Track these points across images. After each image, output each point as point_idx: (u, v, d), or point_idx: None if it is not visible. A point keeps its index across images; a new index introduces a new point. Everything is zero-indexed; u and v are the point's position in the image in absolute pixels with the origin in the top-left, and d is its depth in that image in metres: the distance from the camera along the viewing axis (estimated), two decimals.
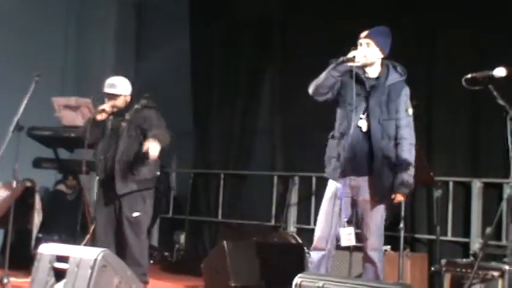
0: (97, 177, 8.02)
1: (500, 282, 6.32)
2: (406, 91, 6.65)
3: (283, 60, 10.87)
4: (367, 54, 6.56)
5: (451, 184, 9.12)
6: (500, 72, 6.15)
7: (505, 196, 6.81)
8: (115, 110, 7.90)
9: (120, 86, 7.93)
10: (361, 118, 6.53)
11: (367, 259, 6.55)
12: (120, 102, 7.90)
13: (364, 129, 6.51)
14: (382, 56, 6.65)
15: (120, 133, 7.80)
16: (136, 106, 7.92)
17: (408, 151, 6.52)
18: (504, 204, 6.53)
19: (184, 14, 12.09)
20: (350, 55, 6.45)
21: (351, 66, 6.46)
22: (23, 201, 9.76)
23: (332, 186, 6.64)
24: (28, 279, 6.53)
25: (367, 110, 6.55)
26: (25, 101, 7.83)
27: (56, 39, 12.20)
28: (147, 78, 12.63)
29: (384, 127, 6.50)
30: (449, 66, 9.11)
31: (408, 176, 6.47)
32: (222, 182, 11.50)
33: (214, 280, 8.44)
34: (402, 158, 6.48)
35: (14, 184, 8.33)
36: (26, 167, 9.80)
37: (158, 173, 8.03)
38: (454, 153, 9.25)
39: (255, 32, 11.27)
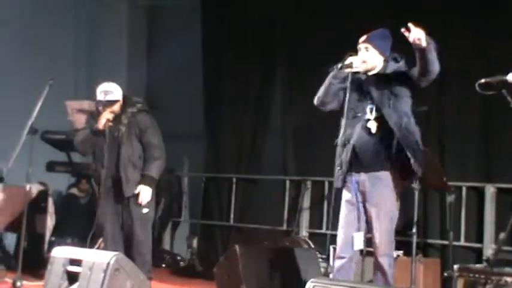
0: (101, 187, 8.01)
1: None
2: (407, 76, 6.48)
3: (293, 64, 10.88)
4: (367, 59, 6.55)
5: (464, 189, 9.10)
6: None
7: None
8: (112, 115, 7.92)
9: (115, 92, 7.95)
10: (368, 119, 6.48)
11: (377, 266, 6.50)
12: (117, 108, 7.92)
13: (374, 130, 6.43)
14: (383, 59, 6.62)
15: (120, 139, 7.82)
16: (131, 110, 7.92)
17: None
18: None
19: (194, 18, 12.10)
20: (347, 61, 6.46)
21: (352, 72, 6.48)
22: (36, 204, 9.80)
23: (347, 193, 6.60)
24: (41, 283, 6.54)
25: (374, 106, 6.49)
26: (39, 105, 7.85)
27: (68, 43, 12.23)
28: (159, 81, 12.70)
29: (397, 108, 6.41)
30: (461, 72, 9.10)
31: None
32: (234, 186, 11.50)
33: (226, 284, 8.44)
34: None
35: (27, 188, 8.35)
36: (40, 171, 9.85)
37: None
38: (467, 158, 9.24)
39: (265, 36, 11.26)
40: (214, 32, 11.93)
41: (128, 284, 6.04)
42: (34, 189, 9.58)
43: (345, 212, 6.60)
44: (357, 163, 6.51)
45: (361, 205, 6.55)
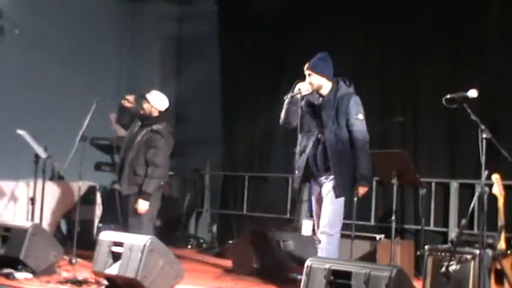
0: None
1: (472, 263, 6.31)
2: (354, 100, 6.58)
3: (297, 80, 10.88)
4: (311, 82, 6.60)
5: (433, 184, 9.11)
6: (473, 93, 6.18)
7: (476, 194, 6.79)
8: (142, 112, 7.91)
9: (154, 95, 7.95)
10: (320, 132, 6.58)
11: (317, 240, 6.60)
12: (147, 108, 7.89)
13: (322, 140, 6.55)
14: (325, 79, 6.66)
15: (134, 142, 7.78)
16: (154, 127, 7.80)
17: (361, 149, 6.50)
18: (476, 200, 6.55)
19: (213, 44, 12.11)
20: (296, 89, 6.55)
21: (302, 96, 6.54)
22: (86, 197, 9.85)
23: (313, 190, 6.77)
24: (91, 261, 6.57)
25: (322, 125, 6.58)
26: (88, 117, 7.89)
27: (112, 67, 12.28)
28: (186, 97, 12.73)
29: (337, 135, 6.51)
30: (430, 86, 9.10)
31: (367, 170, 6.49)
32: (246, 182, 11.48)
33: (240, 262, 8.47)
34: (358, 156, 6.47)
35: (80, 184, 8.40)
36: (89, 170, 9.87)
37: (162, 183, 7.87)
38: (436, 159, 9.24)
39: (273, 60, 11.25)
40: (230, 54, 11.92)
41: (160, 262, 6.06)
42: (85, 185, 9.60)
43: (313, 205, 6.78)
44: (310, 169, 6.62)
45: (315, 197, 6.74)
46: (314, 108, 6.70)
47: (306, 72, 6.70)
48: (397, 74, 9.68)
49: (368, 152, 6.56)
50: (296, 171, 6.71)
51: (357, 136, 6.52)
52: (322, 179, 6.60)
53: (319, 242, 6.63)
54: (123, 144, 8.01)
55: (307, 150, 6.61)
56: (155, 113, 7.92)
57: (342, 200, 6.55)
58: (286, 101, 6.64)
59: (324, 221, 6.51)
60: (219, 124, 12.04)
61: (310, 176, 6.70)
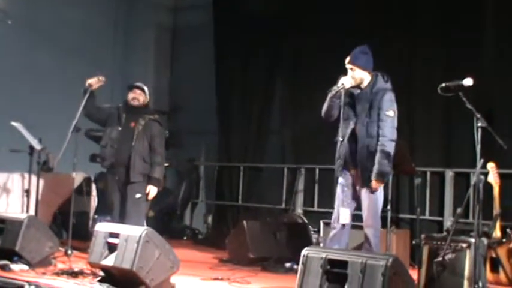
0: (105, 161, 8.12)
1: (467, 252, 6.32)
2: (388, 96, 6.64)
3: (291, 74, 10.89)
4: (354, 76, 6.63)
5: (428, 173, 9.15)
6: (468, 82, 6.19)
7: (472, 183, 6.81)
8: (136, 103, 8.07)
9: (146, 89, 8.20)
10: (356, 123, 6.63)
11: (364, 236, 6.67)
12: (142, 98, 8.12)
13: (356, 131, 6.61)
14: (367, 73, 6.70)
15: (134, 134, 7.94)
16: (149, 116, 8.07)
17: (386, 145, 6.54)
18: (471, 190, 6.56)
19: (208, 34, 12.09)
20: (339, 84, 6.55)
21: (345, 90, 6.56)
22: (81, 189, 9.85)
23: (341, 178, 6.73)
24: (87, 252, 6.58)
25: (356, 116, 6.64)
26: (81, 108, 7.88)
27: (107, 57, 12.23)
28: (181, 87, 12.73)
29: (368, 128, 6.57)
30: (425, 77, 9.12)
31: (384, 166, 6.51)
32: (241, 173, 11.50)
33: (236, 252, 8.50)
34: (379, 151, 6.52)
35: (73, 175, 8.39)
36: (84, 162, 9.87)
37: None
38: (431, 149, 9.26)
39: (269, 50, 11.25)
40: (225, 45, 11.90)
41: (156, 252, 6.06)
42: (79, 176, 9.62)
43: (338, 193, 6.73)
44: (347, 157, 6.66)
45: (350, 188, 6.71)
46: (352, 99, 6.74)
47: (348, 66, 6.71)
48: (392, 64, 9.66)
49: (392, 149, 6.58)
50: (338, 160, 6.75)
51: (384, 132, 6.56)
52: (357, 169, 6.67)
53: (334, 228, 6.71)
54: (116, 136, 8.02)
55: (346, 138, 6.68)
56: (144, 102, 8.17)
57: (380, 192, 6.65)
58: (329, 95, 6.66)
59: (365, 215, 6.63)
60: (213, 114, 12.02)
61: (347, 164, 6.72)
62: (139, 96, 8.08)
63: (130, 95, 8.10)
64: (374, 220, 6.67)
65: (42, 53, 11.06)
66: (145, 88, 8.16)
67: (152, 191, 7.91)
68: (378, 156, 6.54)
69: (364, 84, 6.71)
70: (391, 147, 6.58)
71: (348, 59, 6.71)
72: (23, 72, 10.90)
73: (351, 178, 6.73)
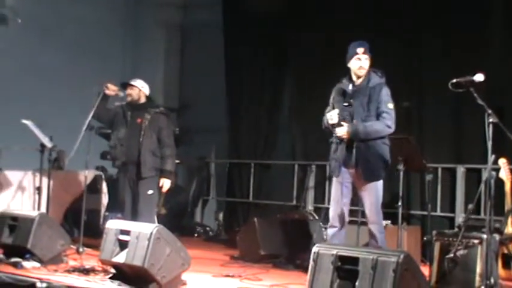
0: (116, 161, 8.19)
1: (479, 248, 6.32)
2: (385, 90, 6.71)
3: (300, 74, 10.89)
4: (362, 65, 6.70)
5: (439, 170, 9.14)
6: (479, 77, 6.17)
7: (483, 179, 6.81)
8: (129, 99, 8.12)
9: (138, 81, 8.17)
10: (351, 120, 6.67)
11: (369, 232, 6.70)
12: (135, 93, 8.11)
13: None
14: (369, 71, 6.77)
15: (142, 130, 7.99)
16: (154, 110, 8.10)
17: (380, 124, 6.62)
18: (482, 186, 6.54)
19: (217, 33, 12.11)
20: (328, 116, 6.69)
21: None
22: (93, 186, 9.87)
23: (339, 177, 6.77)
24: (98, 249, 6.60)
25: (352, 114, 6.68)
26: (94, 107, 7.93)
27: (117, 56, 12.27)
28: (191, 85, 12.74)
29: (366, 122, 6.62)
30: (436, 72, 9.09)
31: (368, 128, 6.58)
32: (252, 169, 11.52)
33: (247, 249, 8.50)
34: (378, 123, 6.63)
35: (86, 173, 8.42)
36: (95, 159, 9.91)
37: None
38: (442, 145, 9.27)
39: (277, 51, 11.25)
40: (234, 43, 11.93)
41: (167, 249, 6.06)
42: (91, 174, 9.64)
43: (335, 191, 6.81)
44: (347, 157, 6.69)
45: (349, 185, 6.76)
46: (345, 96, 6.77)
47: (363, 55, 6.72)
48: (403, 60, 9.66)
49: (384, 133, 6.67)
50: (333, 161, 6.80)
51: (387, 122, 6.63)
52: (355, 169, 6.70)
53: (332, 227, 6.77)
54: (122, 135, 8.11)
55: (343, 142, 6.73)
56: (143, 98, 8.19)
57: (378, 187, 6.69)
58: (323, 126, 6.84)
59: (368, 211, 6.68)
60: (224, 112, 12.05)
61: (346, 162, 6.74)
62: (131, 92, 8.13)
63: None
64: (377, 216, 6.73)
65: (52, 52, 11.12)
66: (138, 83, 8.16)
67: (165, 183, 7.98)
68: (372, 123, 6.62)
69: (360, 80, 6.75)
70: (383, 132, 6.65)
71: (363, 49, 6.71)
72: (34, 70, 10.97)
73: (350, 177, 6.75)
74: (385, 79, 6.78)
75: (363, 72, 6.73)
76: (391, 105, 6.67)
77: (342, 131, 6.62)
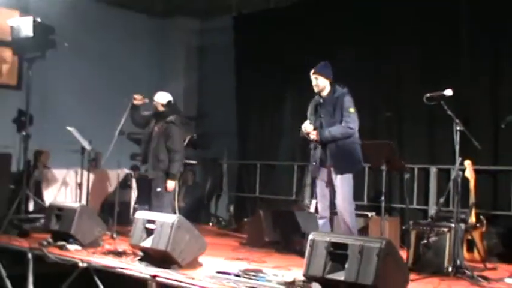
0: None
1: (448, 235, 6.35)
2: (347, 98, 6.76)
3: (300, 87, 10.85)
4: (318, 84, 6.82)
5: (416, 169, 9.12)
6: (448, 92, 6.24)
7: (452, 177, 6.82)
8: (156, 110, 8.09)
9: (157, 95, 8.12)
10: (322, 126, 6.80)
11: (342, 220, 6.72)
12: (154, 105, 8.09)
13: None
14: (328, 82, 6.84)
15: (152, 137, 7.95)
16: (168, 119, 7.98)
17: (342, 127, 6.68)
18: (451, 183, 6.58)
19: (230, 52, 12.15)
20: (303, 128, 6.86)
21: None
22: (124, 182, 9.92)
23: (319, 177, 6.90)
24: (129, 235, 6.63)
25: (322, 122, 6.83)
26: (125, 116, 7.97)
27: (144, 75, 12.27)
28: (207, 101, 12.77)
29: (331, 126, 6.72)
30: (413, 86, 9.07)
31: (331, 133, 6.68)
32: (258, 169, 11.51)
33: (254, 236, 8.51)
34: (341, 127, 6.69)
35: (119, 171, 8.45)
36: (126, 160, 9.94)
37: (182, 169, 8.18)
38: (418, 148, 9.24)
39: (279, 67, 11.23)
40: (244, 62, 11.94)
41: (186, 236, 6.09)
42: (122, 172, 9.71)
43: (319, 188, 6.91)
44: (323, 159, 6.80)
45: (324, 183, 6.84)
46: (317, 108, 6.90)
47: (313, 76, 6.82)
48: (386, 76, 9.65)
49: (345, 135, 6.70)
50: (313, 163, 6.90)
51: (348, 124, 6.68)
52: (329, 166, 6.76)
53: (322, 218, 6.82)
54: (143, 138, 8.14)
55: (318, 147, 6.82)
56: (160, 108, 8.08)
57: (349, 180, 6.70)
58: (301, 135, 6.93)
59: (341, 202, 6.66)
60: (234, 121, 12.07)
61: (322, 162, 6.82)
62: (154, 104, 8.10)
63: None
64: (349, 206, 6.72)
65: (91, 71, 11.19)
66: (157, 97, 8.09)
67: (169, 184, 7.83)
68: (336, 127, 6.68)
69: (326, 92, 6.86)
70: (346, 133, 6.68)
71: (312, 71, 6.86)
72: (78, 87, 11.07)
73: (327, 174, 6.79)
74: (347, 89, 6.85)
75: (316, 90, 6.85)
76: (352, 110, 6.71)
77: (314, 136, 6.75)
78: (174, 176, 7.89)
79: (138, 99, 8.06)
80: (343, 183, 6.68)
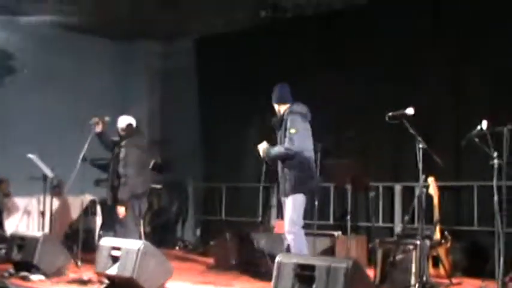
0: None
1: (414, 252, 6.39)
2: (290, 118, 6.55)
3: (264, 109, 10.88)
4: (280, 111, 6.70)
5: (380, 187, 9.20)
6: (410, 111, 6.29)
7: (416, 194, 6.88)
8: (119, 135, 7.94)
9: (118, 120, 7.98)
10: None
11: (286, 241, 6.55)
12: (119, 131, 7.92)
13: None
14: (288, 105, 6.68)
15: (117, 160, 7.72)
16: (122, 143, 7.78)
17: (279, 148, 6.57)
18: (416, 200, 6.63)
19: (194, 76, 12.16)
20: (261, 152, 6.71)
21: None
22: (88, 209, 9.81)
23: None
24: (94, 263, 6.54)
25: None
26: (88, 141, 7.86)
27: (107, 98, 12.12)
28: (171, 124, 12.71)
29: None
30: (375, 105, 9.12)
31: (271, 154, 6.59)
32: (223, 192, 11.49)
33: (220, 259, 8.47)
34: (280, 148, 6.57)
35: (82, 198, 8.36)
36: (90, 186, 9.84)
37: (141, 191, 7.75)
38: (382, 167, 9.30)
39: (244, 85, 11.20)
40: (206, 85, 11.96)
41: (152, 262, 6.05)
42: (86, 199, 9.60)
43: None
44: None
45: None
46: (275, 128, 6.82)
47: (275, 106, 6.74)
48: (349, 95, 9.65)
49: (281, 156, 6.57)
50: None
51: (286, 146, 6.50)
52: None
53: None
54: (109, 164, 8.00)
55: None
56: (121, 132, 7.91)
57: (292, 201, 6.46)
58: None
59: (286, 222, 6.47)
60: (199, 144, 12.04)
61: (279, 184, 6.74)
62: (117, 130, 7.96)
63: None
64: (291, 227, 6.42)
65: (53, 95, 11.06)
66: (118, 122, 7.93)
67: (118, 210, 7.53)
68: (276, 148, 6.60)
69: (280, 114, 6.73)
70: (283, 154, 6.54)
71: (273, 100, 6.77)
72: (38, 112, 10.91)
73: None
74: (297, 107, 6.65)
75: (279, 115, 6.74)
76: (292, 131, 6.47)
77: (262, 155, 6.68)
78: (122, 202, 7.50)
79: (98, 126, 7.90)
80: (288, 204, 6.48)
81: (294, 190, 6.46)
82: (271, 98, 6.86)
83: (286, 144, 6.47)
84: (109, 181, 7.81)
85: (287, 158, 6.52)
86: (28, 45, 10.29)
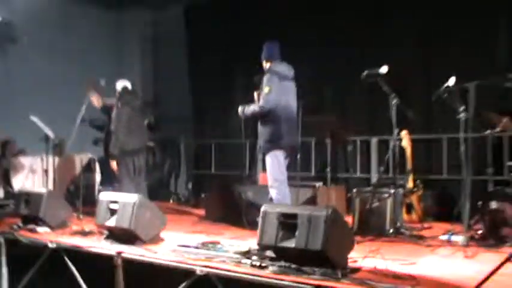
0: None
1: (389, 200, 6.44)
2: (265, 78, 6.52)
3: (250, 68, 10.85)
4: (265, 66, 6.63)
5: (358, 141, 9.22)
6: (384, 69, 6.27)
7: (390, 147, 6.90)
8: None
9: (116, 85, 8.07)
10: None
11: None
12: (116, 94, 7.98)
13: None
14: (269, 62, 6.64)
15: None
16: (119, 102, 7.82)
17: (253, 106, 6.58)
18: (390, 152, 6.65)
19: (184, 43, 12.04)
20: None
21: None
22: (88, 166, 9.79)
23: None
24: (94, 216, 6.54)
25: None
26: (85, 104, 7.85)
27: (102, 65, 11.93)
28: (163, 88, 12.63)
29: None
30: (354, 64, 9.06)
31: (245, 112, 6.63)
32: (213, 148, 11.49)
33: (211, 210, 8.48)
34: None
35: (82, 156, 8.34)
36: (89, 145, 9.82)
37: (133, 148, 7.83)
38: (360, 121, 9.30)
39: (228, 54, 11.14)
40: (196, 50, 11.85)
41: (148, 214, 6.05)
42: (86, 157, 9.58)
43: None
44: None
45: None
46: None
47: (263, 63, 6.70)
48: (330, 55, 9.53)
49: (256, 114, 6.57)
50: None
51: (260, 104, 6.50)
52: None
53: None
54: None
55: None
56: (117, 95, 7.94)
57: (269, 159, 6.52)
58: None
59: (268, 177, 6.57)
60: (190, 105, 11.99)
61: None
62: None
63: None
64: (273, 181, 6.51)
65: (52, 63, 10.96)
66: (116, 85, 8.04)
67: (110, 164, 7.79)
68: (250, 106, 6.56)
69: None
70: (255, 112, 6.55)
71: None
72: (39, 77, 10.81)
73: None
74: (275, 65, 6.60)
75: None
76: (266, 89, 6.44)
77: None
78: (112, 156, 7.68)
79: (95, 101, 7.93)
80: (267, 161, 6.54)
81: (270, 147, 6.48)
82: (256, 59, 6.81)
83: (260, 102, 6.43)
84: (104, 139, 7.85)
85: (261, 115, 6.47)
86: (28, 16, 10.16)
